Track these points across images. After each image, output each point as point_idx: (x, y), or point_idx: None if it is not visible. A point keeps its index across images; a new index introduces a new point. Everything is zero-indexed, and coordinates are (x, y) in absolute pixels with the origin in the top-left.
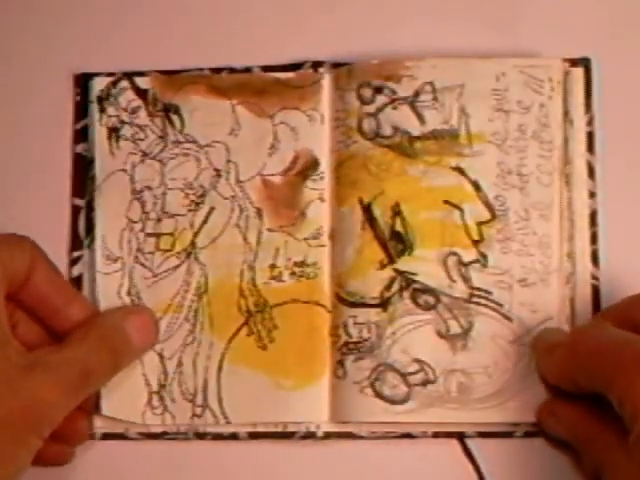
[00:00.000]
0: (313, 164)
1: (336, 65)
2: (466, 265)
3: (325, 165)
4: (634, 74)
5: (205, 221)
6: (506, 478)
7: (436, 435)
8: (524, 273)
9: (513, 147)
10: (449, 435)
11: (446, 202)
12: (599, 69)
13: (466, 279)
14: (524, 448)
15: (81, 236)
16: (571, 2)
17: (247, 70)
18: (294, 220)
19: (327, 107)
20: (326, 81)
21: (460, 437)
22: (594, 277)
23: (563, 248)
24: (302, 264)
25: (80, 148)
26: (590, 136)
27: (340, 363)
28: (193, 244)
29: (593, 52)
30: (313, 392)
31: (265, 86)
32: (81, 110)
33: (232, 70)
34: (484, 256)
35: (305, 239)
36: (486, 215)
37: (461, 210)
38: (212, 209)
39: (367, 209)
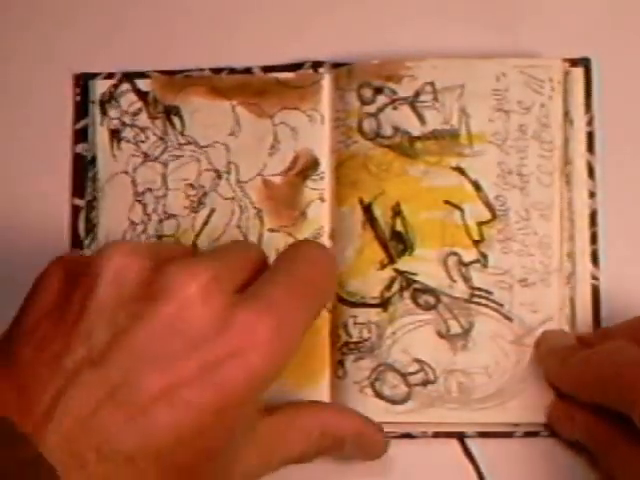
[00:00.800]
0: (313, 164)
1: (336, 65)
2: (466, 265)
3: (325, 165)
4: (634, 74)
5: (206, 222)
6: (506, 478)
7: (436, 435)
8: (524, 273)
9: (513, 147)
10: (449, 435)
11: (446, 202)
12: (599, 69)
13: (466, 279)
14: (524, 448)
15: (81, 236)
16: (571, 2)
17: (247, 70)
18: (294, 220)
19: (327, 107)
20: (326, 81)
21: (460, 437)
22: (594, 277)
23: (563, 248)
24: None
25: (80, 148)
26: (590, 136)
27: (340, 363)
28: (195, 245)
29: (593, 52)
30: (313, 392)
31: (265, 86)
32: (81, 110)
33: (232, 70)
34: (484, 256)
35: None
36: (486, 215)
37: (461, 210)
38: (213, 210)
39: (367, 209)
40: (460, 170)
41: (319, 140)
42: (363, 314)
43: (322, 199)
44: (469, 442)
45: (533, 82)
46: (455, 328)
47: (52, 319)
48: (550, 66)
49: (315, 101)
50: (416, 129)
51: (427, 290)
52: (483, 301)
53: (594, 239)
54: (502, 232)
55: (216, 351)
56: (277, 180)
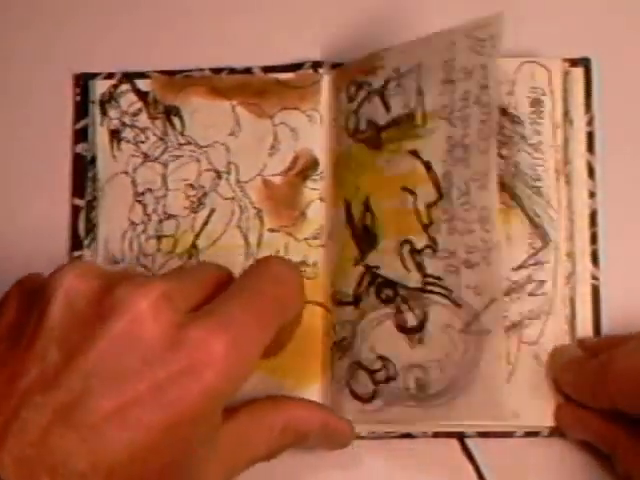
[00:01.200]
0: (313, 164)
1: (336, 65)
2: (419, 252)
3: (324, 165)
4: (634, 74)
5: (206, 222)
6: (506, 478)
7: (436, 435)
8: (467, 253)
9: (459, 118)
10: (449, 435)
11: (403, 189)
12: (599, 69)
13: (420, 267)
14: (524, 448)
15: (81, 236)
16: (571, 2)
17: (247, 70)
18: (294, 220)
19: (326, 107)
20: (325, 81)
21: (460, 437)
22: (594, 277)
23: (563, 247)
24: (303, 264)
25: (80, 148)
26: (590, 136)
27: (330, 363)
28: (194, 245)
29: (593, 52)
30: (311, 392)
31: (265, 87)
32: (81, 110)
33: (232, 70)
34: (434, 240)
35: (305, 239)
36: (435, 196)
37: (414, 194)
38: (213, 210)
39: (348, 207)
40: (414, 153)
41: (319, 140)
42: (344, 313)
43: (322, 199)
44: (469, 442)
45: (477, 44)
46: (412, 320)
47: (8, 342)
48: (550, 66)
49: (315, 101)
50: (382, 118)
51: (387, 283)
52: (435, 289)
53: (594, 239)
54: (447, 211)
55: (168, 369)
56: (277, 180)
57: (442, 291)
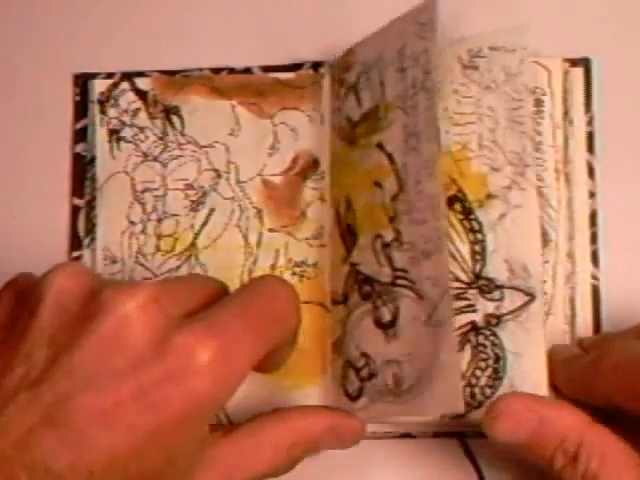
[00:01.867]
0: (313, 164)
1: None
2: (388, 246)
3: (325, 165)
4: (634, 74)
5: (206, 222)
6: (506, 478)
7: (436, 435)
8: (424, 243)
9: (411, 105)
10: (449, 435)
11: (375, 183)
12: (599, 69)
13: (390, 261)
14: None
15: (81, 236)
16: (571, 2)
17: (247, 70)
18: (294, 220)
19: (327, 107)
20: (326, 81)
21: (460, 437)
22: (594, 277)
23: (563, 247)
24: (303, 264)
25: (80, 148)
26: (590, 136)
27: (330, 363)
28: (194, 245)
29: (593, 52)
30: (311, 393)
31: (265, 86)
32: (81, 110)
33: (232, 70)
34: (399, 232)
35: (305, 239)
36: (396, 188)
37: (382, 188)
38: (212, 210)
39: (338, 206)
40: (380, 146)
41: (319, 140)
42: (337, 312)
43: (322, 199)
44: (469, 442)
45: (420, 29)
46: (386, 315)
47: None
48: (550, 66)
49: (315, 101)
50: (356, 114)
51: (366, 279)
52: (403, 282)
53: (594, 239)
54: (406, 202)
55: (153, 372)
56: (277, 180)
57: (408, 284)
